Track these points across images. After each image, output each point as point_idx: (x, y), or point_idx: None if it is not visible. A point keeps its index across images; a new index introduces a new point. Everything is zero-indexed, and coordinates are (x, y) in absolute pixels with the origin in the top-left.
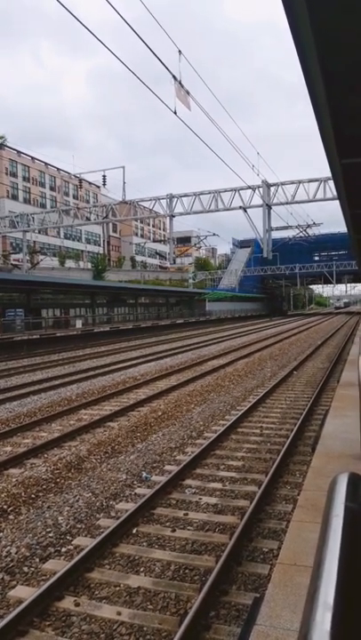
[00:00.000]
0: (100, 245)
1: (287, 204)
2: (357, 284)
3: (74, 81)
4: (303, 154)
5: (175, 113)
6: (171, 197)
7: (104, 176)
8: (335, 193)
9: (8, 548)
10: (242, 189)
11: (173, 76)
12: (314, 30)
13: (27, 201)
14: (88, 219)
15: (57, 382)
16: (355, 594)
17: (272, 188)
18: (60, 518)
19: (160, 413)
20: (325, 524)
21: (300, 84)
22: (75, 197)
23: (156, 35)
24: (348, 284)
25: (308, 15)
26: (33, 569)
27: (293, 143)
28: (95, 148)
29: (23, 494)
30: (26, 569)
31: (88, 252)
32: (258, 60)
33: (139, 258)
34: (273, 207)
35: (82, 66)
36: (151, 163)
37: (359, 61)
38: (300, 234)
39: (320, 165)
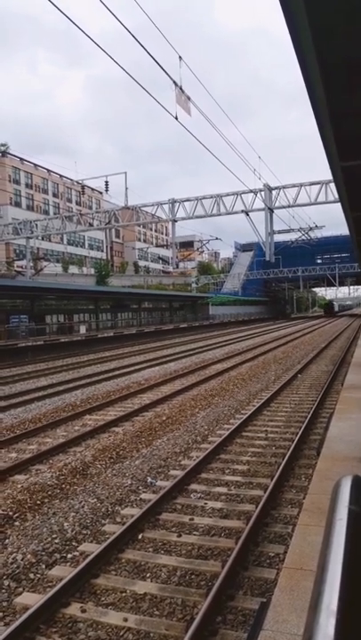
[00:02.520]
0: (102, 251)
1: (289, 207)
2: (360, 287)
3: (71, 89)
4: (302, 158)
5: (176, 118)
6: (173, 202)
7: (106, 182)
8: (337, 196)
9: (14, 554)
10: (244, 193)
11: (174, 82)
12: (313, 33)
13: (30, 208)
14: (91, 225)
15: (61, 388)
16: (359, 598)
17: (274, 192)
18: (65, 524)
19: (165, 418)
20: (329, 528)
21: (295, 89)
22: (77, 204)
23: (153, 42)
24: (351, 287)
25: (307, 18)
26: (39, 575)
27: (292, 147)
28: (94, 156)
29: (29, 500)
30: (32, 575)
31: (91, 257)
32: (252, 66)
33: (142, 263)
34: (275, 210)
35: (78, 74)
36: (151, 169)
37: (359, 65)
38: (303, 237)
39: (321, 169)
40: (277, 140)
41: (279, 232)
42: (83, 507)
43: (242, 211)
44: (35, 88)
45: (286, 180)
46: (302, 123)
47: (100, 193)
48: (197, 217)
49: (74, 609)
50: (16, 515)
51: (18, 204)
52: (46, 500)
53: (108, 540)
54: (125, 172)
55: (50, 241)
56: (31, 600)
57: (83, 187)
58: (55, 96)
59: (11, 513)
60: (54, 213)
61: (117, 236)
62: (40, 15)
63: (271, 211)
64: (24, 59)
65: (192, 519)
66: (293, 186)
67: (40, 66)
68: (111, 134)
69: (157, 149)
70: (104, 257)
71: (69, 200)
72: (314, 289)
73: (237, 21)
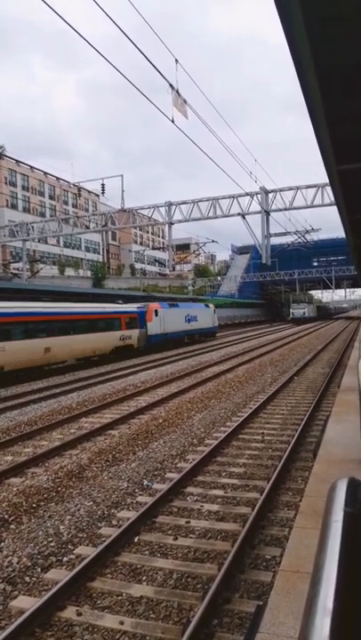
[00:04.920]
0: (99, 253)
1: (285, 210)
2: (356, 289)
3: (65, 93)
4: (298, 161)
5: (173, 121)
6: (169, 205)
7: (103, 184)
8: (333, 199)
9: (10, 557)
10: (240, 196)
11: (170, 85)
12: (310, 39)
13: (26, 210)
14: (87, 227)
15: (57, 390)
16: (354, 599)
17: (270, 195)
18: (61, 527)
19: (161, 421)
20: (325, 530)
21: (291, 94)
22: (74, 206)
23: (149, 47)
24: (348, 289)
25: (304, 20)
26: (35, 579)
27: (288, 151)
28: (89, 159)
29: (24, 503)
30: (27, 579)
31: (87, 260)
32: (248, 72)
33: (138, 265)
34: (271, 213)
35: (72, 79)
36: (145, 172)
37: (355, 68)
38: (299, 239)
39: (317, 172)
40: (274, 144)
41: (276, 235)
42: (79, 510)
43: (238, 213)
44: (30, 92)
45: (283, 184)
46: (299, 126)
47: (97, 195)
48: (194, 219)
49: (70, 612)
50: (12, 518)
51: (14, 207)
52: (42, 503)
53: (104, 543)
54: (122, 175)
55: (46, 243)
56: (27, 603)
57: (79, 189)
58: (50, 100)
59: (6, 516)
60: (51, 216)
61: (114, 239)
62: (35, 19)
63: (268, 213)
64: (19, 63)
65: (188, 522)
66: (290, 189)
67: (35, 70)
68: (106, 138)
69: (152, 153)
70: (100, 259)
71: (66, 202)
72: (310, 291)
73: (233, 28)
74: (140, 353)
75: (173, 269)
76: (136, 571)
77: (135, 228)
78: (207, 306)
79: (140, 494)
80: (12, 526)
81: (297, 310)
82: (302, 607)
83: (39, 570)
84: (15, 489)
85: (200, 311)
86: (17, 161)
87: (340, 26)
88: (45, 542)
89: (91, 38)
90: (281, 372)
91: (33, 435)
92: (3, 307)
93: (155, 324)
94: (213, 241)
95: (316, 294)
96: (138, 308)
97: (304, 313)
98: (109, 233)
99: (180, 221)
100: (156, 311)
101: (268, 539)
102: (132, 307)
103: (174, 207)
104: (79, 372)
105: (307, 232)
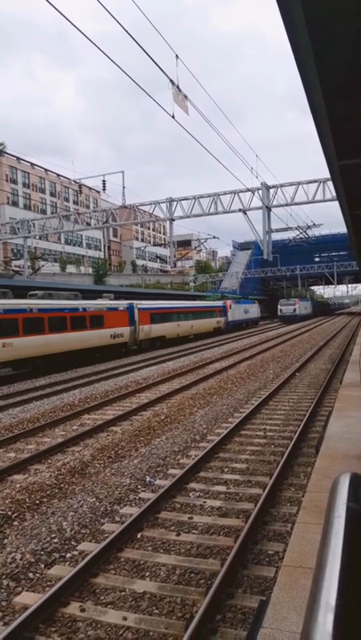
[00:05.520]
0: (100, 250)
1: (287, 205)
2: (358, 285)
3: (65, 92)
4: (299, 157)
5: (173, 117)
6: (170, 201)
7: (104, 181)
8: (335, 194)
9: (13, 554)
10: (241, 192)
11: (171, 81)
12: (311, 35)
13: (27, 207)
14: (88, 224)
15: (59, 387)
16: (357, 594)
17: (271, 190)
18: (64, 524)
19: (163, 417)
20: (327, 525)
21: (291, 90)
22: (75, 203)
23: (149, 44)
24: (349, 285)
25: (305, 20)
26: (38, 575)
27: (289, 147)
28: (89, 157)
29: (27, 500)
30: (31, 575)
31: (89, 256)
32: (248, 70)
33: (139, 262)
34: (273, 209)
35: (71, 77)
36: (144, 170)
37: (356, 63)
38: (300, 235)
39: (314, 169)
40: (274, 141)
41: (277, 230)
42: (81, 506)
43: (239, 209)
44: (30, 90)
45: (284, 179)
46: (299, 124)
47: (98, 192)
48: (195, 216)
49: (73, 608)
50: (15, 514)
51: (15, 204)
52: (45, 500)
53: (107, 540)
54: (123, 172)
55: (47, 240)
56: (30, 599)
57: (80, 186)
58: (50, 98)
59: (9, 513)
60: (52, 212)
61: (115, 235)
62: (35, 17)
63: (269, 209)
64: (19, 61)
65: (191, 518)
66: (291, 184)
67: (35, 68)
68: (105, 137)
69: (152, 151)
70: (102, 256)
71: (67, 199)
72: (312, 287)
73: (233, 27)
74: (223, 332)
75: (175, 266)
76: (139, 567)
77: (136, 225)
78: (254, 302)
79: (143, 490)
80: (16, 523)
81: (286, 307)
82: (305, 602)
83: (42, 566)
84: (18, 485)
85: (250, 306)
86: (18, 158)
87: (340, 25)
88: (49, 539)
89: (91, 36)
90: (283, 368)
91: (35, 431)
92: (176, 303)
93: (230, 314)
94: (214, 237)
95: (318, 290)
96: (222, 302)
97: (295, 310)
98: (110, 230)
99: (181, 217)
100: (230, 305)
101: (271, 534)
102: (219, 302)
103: (175, 203)
104: (82, 369)
105: (308, 227)
